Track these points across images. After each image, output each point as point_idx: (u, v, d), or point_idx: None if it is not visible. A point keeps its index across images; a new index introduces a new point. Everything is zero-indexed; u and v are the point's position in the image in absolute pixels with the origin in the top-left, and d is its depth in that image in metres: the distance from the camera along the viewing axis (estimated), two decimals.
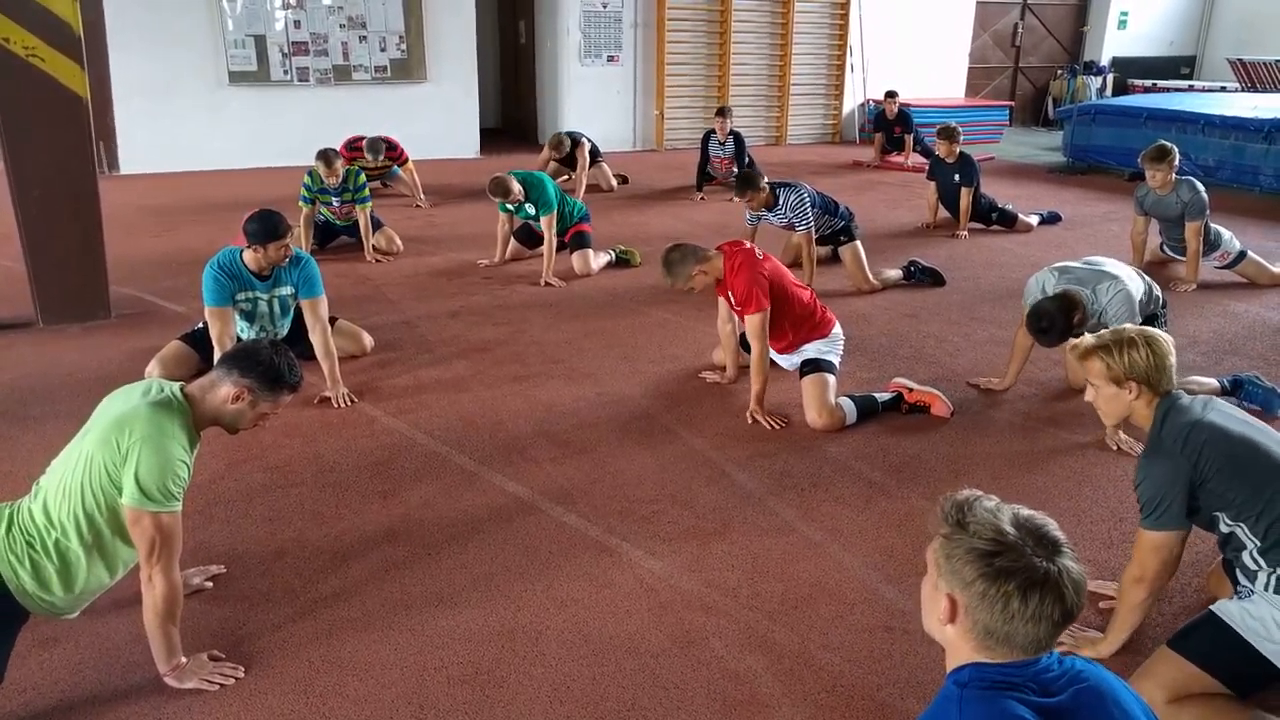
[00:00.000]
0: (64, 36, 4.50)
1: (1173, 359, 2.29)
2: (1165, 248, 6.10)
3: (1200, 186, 5.59)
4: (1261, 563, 2.16)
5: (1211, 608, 2.20)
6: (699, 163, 8.88)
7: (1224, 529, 2.22)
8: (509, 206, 5.94)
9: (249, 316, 4.08)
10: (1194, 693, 2.12)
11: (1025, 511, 1.38)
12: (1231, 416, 2.26)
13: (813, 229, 5.60)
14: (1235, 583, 2.26)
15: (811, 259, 5.64)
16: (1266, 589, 2.15)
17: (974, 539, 1.33)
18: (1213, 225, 5.77)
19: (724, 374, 4.26)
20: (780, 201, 5.57)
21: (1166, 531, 2.20)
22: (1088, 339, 2.38)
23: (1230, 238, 5.84)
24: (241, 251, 3.97)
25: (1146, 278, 3.96)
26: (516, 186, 5.77)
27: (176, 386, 2.30)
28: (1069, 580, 1.31)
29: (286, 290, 4.11)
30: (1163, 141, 5.67)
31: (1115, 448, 3.59)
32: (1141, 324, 3.81)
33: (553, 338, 4.87)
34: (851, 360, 4.50)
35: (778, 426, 3.78)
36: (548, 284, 5.80)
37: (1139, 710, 1.35)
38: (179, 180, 9.13)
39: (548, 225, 5.83)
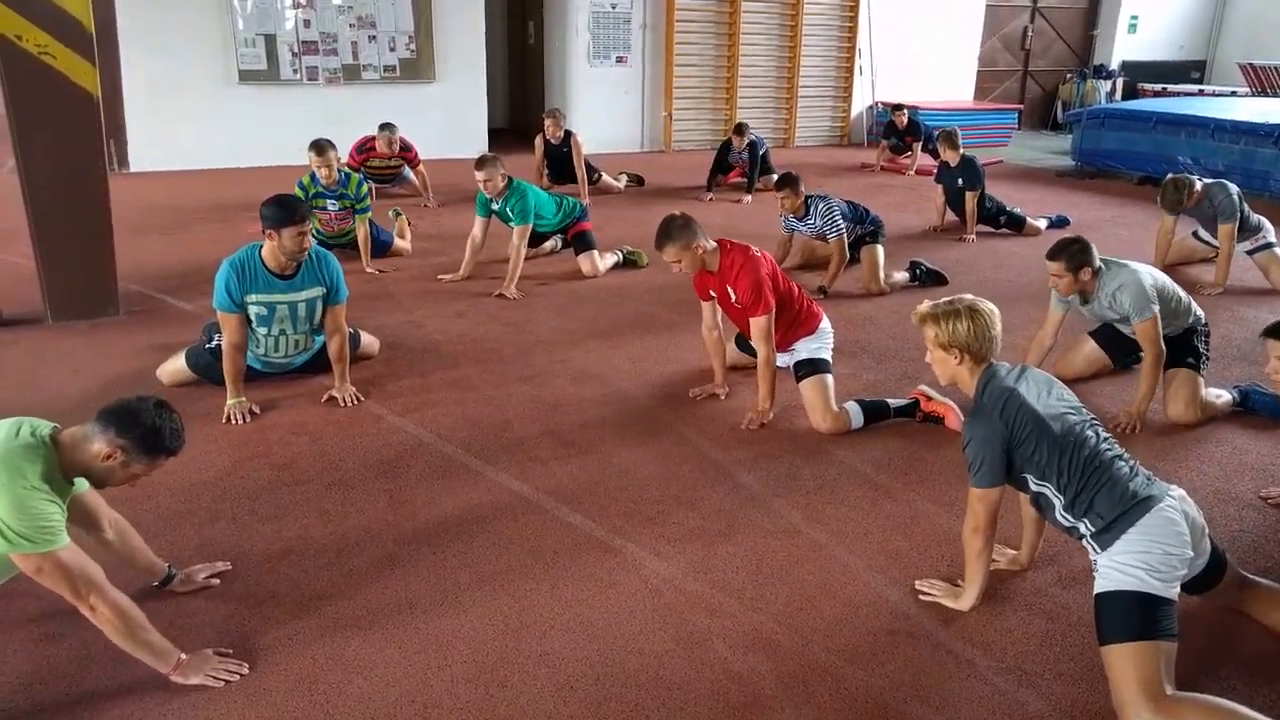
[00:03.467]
0: (76, 34, 4.52)
1: (996, 331, 2.48)
2: (1198, 235, 6.10)
3: (1233, 189, 5.57)
4: (1070, 517, 2.35)
5: (1095, 592, 2.29)
6: (712, 166, 8.93)
7: (1034, 488, 2.41)
8: (486, 196, 5.61)
9: (265, 321, 3.82)
10: (1165, 679, 2.09)
11: None
12: (1040, 386, 2.45)
13: (844, 236, 5.69)
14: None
15: (840, 266, 5.68)
16: (1099, 549, 2.29)
17: None
18: (1254, 215, 5.79)
19: (719, 386, 4.10)
20: (810, 211, 5.73)
21: (989, 488, 2.41)
22: (923, 306, 2.60)
23: (1271, 229, 5.84)
24: (261, 248, 3.73)
25: (1173, 285, 3.91)
26: (502, 181, 5.53)
27: (46, 431, 2.19)
28: None
29: (316, 291, 3.82)
30: (1172, 175, 5.67)
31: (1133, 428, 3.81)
32: (1177, 338, 3.85)
33: (559, 338, 4.87)
34: (857, 362, 4.50)
35: (753, 427, 3.78)
36: (500, 295, 5.48)
37: None
38: (188, 178, 9.16)
39: (519, 235, 5.60)
